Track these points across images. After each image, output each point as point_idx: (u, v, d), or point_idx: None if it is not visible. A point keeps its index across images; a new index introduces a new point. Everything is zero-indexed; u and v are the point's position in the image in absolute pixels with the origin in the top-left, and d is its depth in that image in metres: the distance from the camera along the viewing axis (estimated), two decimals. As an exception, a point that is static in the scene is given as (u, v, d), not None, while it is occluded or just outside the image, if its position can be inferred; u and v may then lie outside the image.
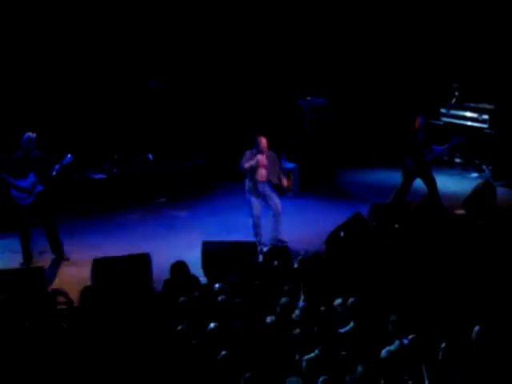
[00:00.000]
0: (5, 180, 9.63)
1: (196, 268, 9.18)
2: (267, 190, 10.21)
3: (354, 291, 7.11)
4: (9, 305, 7.10)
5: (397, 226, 9.45)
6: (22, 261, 9.79)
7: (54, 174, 9.73)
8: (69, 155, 9.77)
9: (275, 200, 10.23)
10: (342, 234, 9.42)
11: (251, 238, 9.89)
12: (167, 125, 13.15)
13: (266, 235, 10.30)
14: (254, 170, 10.07)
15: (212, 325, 6.39)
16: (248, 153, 10.14)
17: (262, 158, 10.05)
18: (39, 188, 9.68)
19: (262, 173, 10.12)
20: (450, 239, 8.50)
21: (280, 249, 8.41)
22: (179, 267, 8.04)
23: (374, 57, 14.90)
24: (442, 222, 9.18)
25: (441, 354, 5.68)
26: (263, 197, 10.22)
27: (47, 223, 9.91)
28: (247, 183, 10.21)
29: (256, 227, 10.23)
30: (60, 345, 6.46)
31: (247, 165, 10.03)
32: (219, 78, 14.00)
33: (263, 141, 10.07)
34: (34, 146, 9.69)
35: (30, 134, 9.72)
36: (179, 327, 6.52)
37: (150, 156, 12.79)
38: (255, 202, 10.18)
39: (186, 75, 13.75)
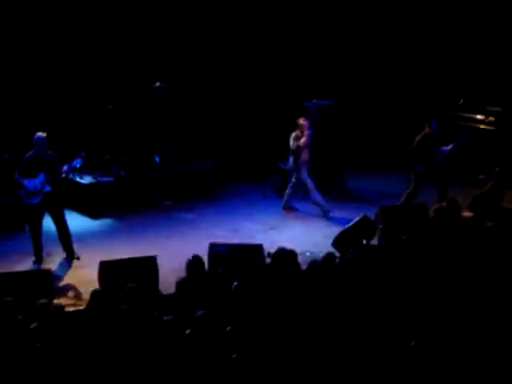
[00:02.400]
0: (16, 181, 9.67)
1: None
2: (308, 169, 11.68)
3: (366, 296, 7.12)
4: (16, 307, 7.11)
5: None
6: (34, 259, 9.86)
7: (63, 175, 9.78)
8: (79, 158, 9.83)
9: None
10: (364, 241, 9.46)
11: (258, 240, 9.87)
12: (174, 127, 13.14)
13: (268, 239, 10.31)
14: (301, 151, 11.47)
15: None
16: (294, 135, 11.52)
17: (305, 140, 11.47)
18: (47, 188, 9.70)
19: (306, 152, 11.57)
20: (463, 242, 8.47)
21: (287, 251, 8.37)
22: (196, 263, 8.02)
23: (381, 59, 14.89)
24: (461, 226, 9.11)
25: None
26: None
27: (58, 222, 9.96)
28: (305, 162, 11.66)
29: (319, 198, 11.62)
30: (66, 347, 6.46)
31: (303, 143, 11.47)
32: (226, 80, 14.01)
33: (305, 123, 11.45)
34: (46, 146, 9.72)
35: (40, 133, 9.74)
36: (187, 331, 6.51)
37: (157, 158, 12.79)
38: (307, 178, 11.62)
39: (193, 77, 13.76)
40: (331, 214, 11.57)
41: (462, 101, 14.17)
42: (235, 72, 14.05)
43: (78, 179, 11.91)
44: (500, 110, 13.61)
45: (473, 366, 5.94)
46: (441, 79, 14.68)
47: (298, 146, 11.46)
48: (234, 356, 5.98)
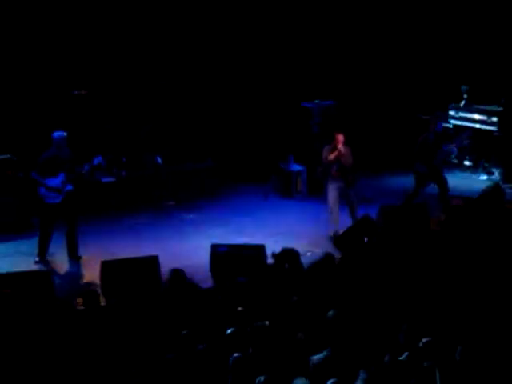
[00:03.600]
0: (34, 178, 9.64)
1: (204, 271, 9.21)
2: (341, 187, 10.86)
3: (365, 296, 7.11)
4: (15, 306, 7.12)
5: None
6: (37, 259, 9.85)
7: (84, 174, 9.77)
8: (99, 156, 9.80)
9: (350, 198, 10.85)
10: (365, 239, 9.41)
11: (260, 241, 9.86)
12: (176, 127, 13.15)
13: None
14: (330, 164, 10.84)
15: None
16: (326, 148, 10.92)
17: (338, 154, 10.78)
18: (69, 187, 9.70)
19: (335, 168, 10.84)
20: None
21: (291, 251, 8.36)
22: (177, 276, 7.94)
23: (382, 59, 14.88)
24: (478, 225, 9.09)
25: (458, 356, 5.67)
26: (340, 191, 10.86)
27: (71, 222, 9.93)
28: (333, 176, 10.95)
29: (330, 215, 10.85)
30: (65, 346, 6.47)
31: (331, 156, 10.78)
32: (228, 80, 14.01)
33: (340, 138, 10.75)
34: (65, 145, 9.69)
35: (61, 132, 9.72)
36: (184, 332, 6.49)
37: (159, 158, 12.79)
38: (330, 192, 10.88)
39: (195, 78, 13.77)
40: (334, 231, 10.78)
41: (464, 101, 14.16)
42: (237, 72, 14.05)
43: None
44: (502, 110, 13.59)
45: (483, 366, 5.91)
46: (443, 79, 14.67)
47: (328, 160, 10.83)
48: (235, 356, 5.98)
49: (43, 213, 9.85)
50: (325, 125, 13.33)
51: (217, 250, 9.41)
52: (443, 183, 11.07)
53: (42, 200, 9.66)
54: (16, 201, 11.04)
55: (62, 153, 9.67)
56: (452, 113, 14.27)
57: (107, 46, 13.02)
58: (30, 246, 10.19)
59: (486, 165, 13.63)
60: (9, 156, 11.27)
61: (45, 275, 8.73)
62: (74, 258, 10.02)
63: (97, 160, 9.78)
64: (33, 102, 12.51)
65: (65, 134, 9.70)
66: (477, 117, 13.85)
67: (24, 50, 12.44)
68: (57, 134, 9.70)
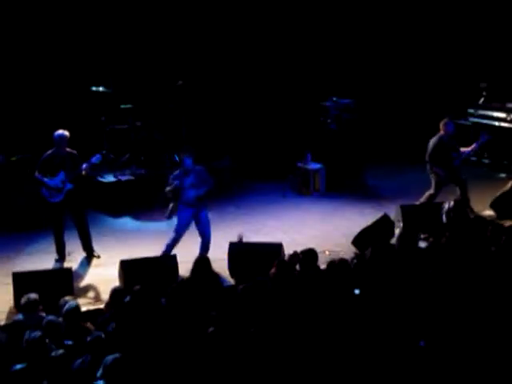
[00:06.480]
0: (37, 179, 9.70)
1: (222, 269, 9.24)
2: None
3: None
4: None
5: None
6: (56, 257, 9.93)
7: (83, 172, 9.78)
8: (98, 154, 9.81)
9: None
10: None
11: (278, 239, 9.87)
12: (194, 126, 13.19)
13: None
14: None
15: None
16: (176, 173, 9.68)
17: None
18: (69, 186, 9.72)
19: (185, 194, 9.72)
20: (480, 242, 8.41)
21: (308, 251, 8.35)
22: (202, 263, 8.06)
23: (401, 57, 14.85)
24: (472, 225, 9.08)
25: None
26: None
27: (78, 221, 9.99)
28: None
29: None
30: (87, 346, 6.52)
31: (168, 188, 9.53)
32: (246, 79, 14.04)
33: (186, 160, 9.63)
34: (65, 144, 9.75)
35: (62, 131, 9.76)
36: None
37: (177, 157, 12.84)
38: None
39: (213, 77, 13.80)
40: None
41: (482, 99, 14.09)
42: (255, 71, 14.08)
43: (98, 178, 12.02)
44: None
45: (482, 368, 5.92)
46: (462, 77, 14.61)
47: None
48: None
49: (48, 212, 9.91)
50: (342, 123, 13.32)
51: (234, 248, 9.43)
52: (463, 185, 11.02)
53: (45, 199, 9.75)
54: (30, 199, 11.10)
55: (61, 152, 9.71)
56: (471, 110, 14.21)
57: (124, 43, 13.10)
58: (49, 243, 10.27)
59: (505, 162, 13.55)
60: (29, 155, 11.34)
61: (65, 272, 8.81)
62: (92, 256, 10.09)
63: (95, 158, 9.79)
64: (51, 98, 12.61)
65: (65, 133, 9.71)
66: (496, 114, 13.79)
67: (35, 48, 12.53)
68: (57, 133, 9.72)
